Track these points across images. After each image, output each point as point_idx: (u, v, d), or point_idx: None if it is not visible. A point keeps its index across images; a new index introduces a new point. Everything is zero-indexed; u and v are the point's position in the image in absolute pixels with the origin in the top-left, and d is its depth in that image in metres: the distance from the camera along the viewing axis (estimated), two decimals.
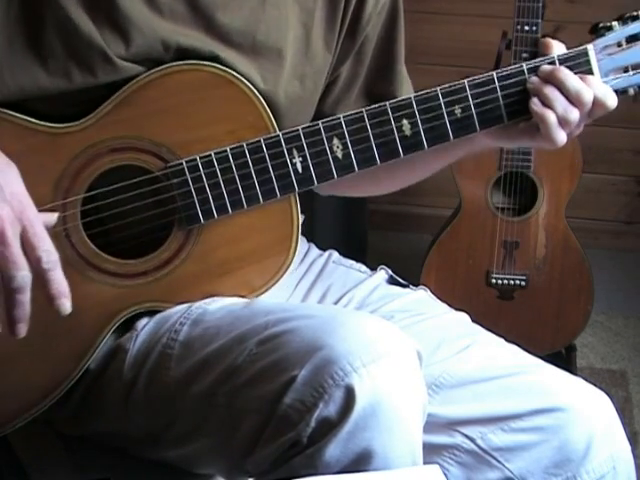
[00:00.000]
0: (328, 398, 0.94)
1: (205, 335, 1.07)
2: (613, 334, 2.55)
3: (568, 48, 1.14)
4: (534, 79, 1.12)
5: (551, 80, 1.11)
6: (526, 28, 2.06)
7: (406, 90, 1.28)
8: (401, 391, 0.96)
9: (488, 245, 2.22)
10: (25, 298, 0.95)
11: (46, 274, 0.96)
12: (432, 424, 1.10)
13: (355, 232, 2.50)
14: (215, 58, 1.10)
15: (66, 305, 0.97)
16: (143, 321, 1.14)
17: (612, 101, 1.12)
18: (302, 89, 1.18)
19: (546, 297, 2.25)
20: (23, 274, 0.94)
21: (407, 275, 1.34)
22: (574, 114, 1.10)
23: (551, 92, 1.10)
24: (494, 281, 2.23)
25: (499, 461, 1.11)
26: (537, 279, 2.24)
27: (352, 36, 1.21)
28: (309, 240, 1.39)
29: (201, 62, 1.09)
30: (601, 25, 1.15)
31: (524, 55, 2.06)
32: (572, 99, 1.10)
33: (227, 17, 1.11)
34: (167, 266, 1.12)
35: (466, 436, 1.12)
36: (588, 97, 1.10)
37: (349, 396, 0.94)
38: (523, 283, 2.24)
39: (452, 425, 1.13)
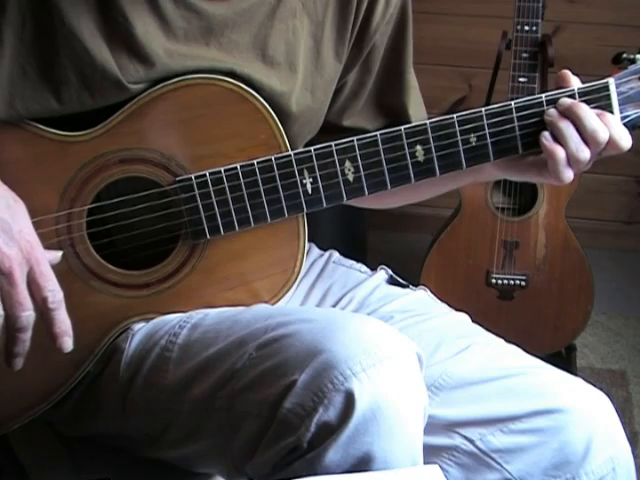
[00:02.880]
0: (328, 403, 0.94)
1: (204, 339, 1.07)
2: (613, 334, 2.55)
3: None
4: (552, 111, 1.09)
5: (569, 115, 1.09)
6: (526, 28, 2.06)
7: (414, 99, 1.28)
8: (401, 395, 0.96)
9: (488, 245, 2.22)
10: (26, 336, 0.96)
11: (50, 313, 0.96)
12: (431, 425, 1.10)
13: (355, 232, 2.49)
14: (231, 73, 1.09)
15: (68, 343, 0.98)
16: (142, 322, 1.14)
17: (627, 143, 1.10)
18: (313, 100, 1.18)
19: (546, 297, 2.25)
20: (28, 314, 0.95)
21: (407, 275, 1.34)
22: (585, 154, 1.09)
23: (566, 128, 1.08)
24: (494, 281, 2.23)
25: (498, 463, 1.11)
26: (537, 279, 2.24)
27: (359, 45, 1.20)
28: (309, 240, 1.38)
29: (216, 77, 1.08)
30: (624, 56, 1.13)
31: (524, 55, 2.06)
32: (586, 137, 1.08)
33: (236, 33, 1.10)
34: (170, 279, 1.12)
35: (465, 437, 1.12)
36: (603, 137, 1.08)
37: (349, 401, 0.94)
38: (523, 283, 2.24)
39: (451, 426, 1.13)
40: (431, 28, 2.67)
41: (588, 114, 1.08)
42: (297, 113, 1.15)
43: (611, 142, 1.09)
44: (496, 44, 2.16)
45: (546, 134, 1.10)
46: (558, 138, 1.09)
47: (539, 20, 2.06)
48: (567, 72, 1.12)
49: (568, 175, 1.10)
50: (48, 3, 1.02)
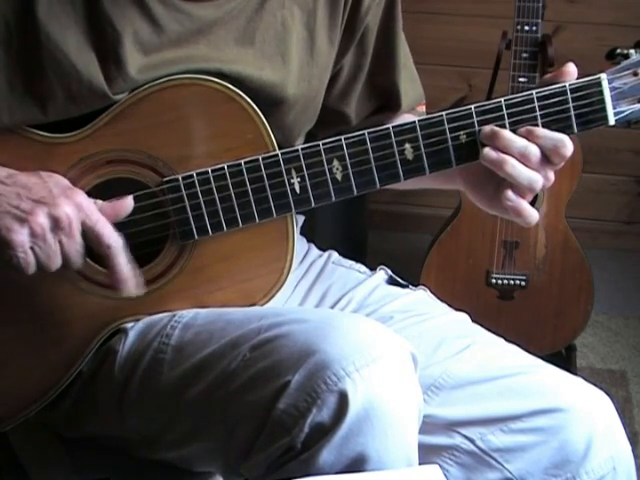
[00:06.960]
0: (321, 403, 0.94)
1: (197, 340, 1.07)
2: (613, 334, 2.55)
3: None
4: (489, 155, 1.07)
5: (501, 148, 1.07)
6: (526, 28, 2.06)
7: (405, 77, 1.28)
8: (395, 395, 0.96)
9: (488, 245, 2.22)
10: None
11: (112, 260, 1.03)
12: (431, 425, 1.10)
13: (355, 232, 2.49)
14: (220, 74, 1.09)
15: (126, 290, 1.05)
16: (131, 322, 1.13)
17: (569, 150, 1.09)
18: (309, 89, 1.18)
19: (546, 297, 2.25)
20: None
21: (407, 275, 1.34)
22: (538, 182, 1.09)
23: (512, 168, 1.07)
24: (494, 281, 2.23)
25: (499, 462, 1.11)
26: (537, 279, 2.24)
27: (352, 28, 1.20)
28: (309, 240, 1.38)
29: (201, 77, 1.08)
30: (618, 51, 1.11)
31: (524, 55, 2.07)
32: (521, 159, 1.07)
33: (224, 30, 1.10)
34: (159, 280, 1.11)
35: (466, 437, 1.12)
36: (535, 155, 1.07)
37: (342, 401, 0.94)
38: (523, 283, 2.24)
39: (452, 426, 1.12)
40: (431, 28, 2.67)
41: (510, 139, 1.07)
42: (292, 102, 1.15)
43: (550, 152, 1.08)
44: (496, 44, 2.16)
45: (509, 193, 1.10)
46: (511, 181, 1.08)
47: (539, 20, 2.06)
48: (568, 65, 1.10)
49: (535, 216, 1.12)
50: (34, 17, 1.02)
